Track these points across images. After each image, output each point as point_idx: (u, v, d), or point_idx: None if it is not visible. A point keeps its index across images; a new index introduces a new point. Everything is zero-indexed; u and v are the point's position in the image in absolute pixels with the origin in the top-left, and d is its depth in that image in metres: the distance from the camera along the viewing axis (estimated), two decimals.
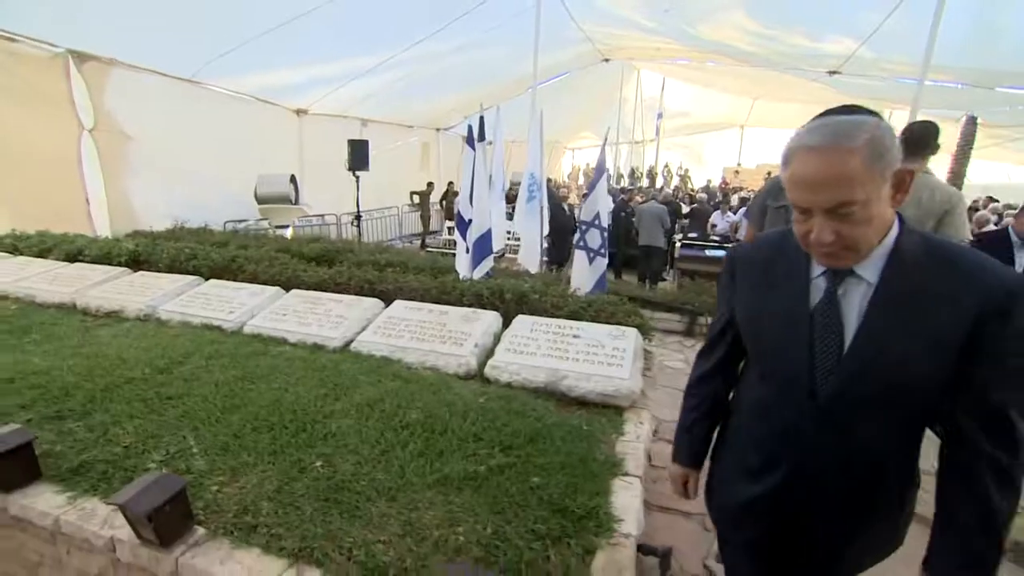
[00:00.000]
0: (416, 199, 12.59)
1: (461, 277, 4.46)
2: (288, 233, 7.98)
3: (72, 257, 4.63)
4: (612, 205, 10.18)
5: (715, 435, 1.43)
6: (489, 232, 4.75)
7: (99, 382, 2.59)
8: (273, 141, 9.27)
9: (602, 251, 5.21)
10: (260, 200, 8.35)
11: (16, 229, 5.19)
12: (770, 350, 1.16)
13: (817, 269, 1.07)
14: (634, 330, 3.05)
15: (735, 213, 9.62)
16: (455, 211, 5.21)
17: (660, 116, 18.60)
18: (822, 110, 0.97)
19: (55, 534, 1.72)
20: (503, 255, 7.98)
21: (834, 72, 9.89)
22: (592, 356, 2.84)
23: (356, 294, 3.66)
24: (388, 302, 3.50)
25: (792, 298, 1.10)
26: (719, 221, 9.41)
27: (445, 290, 3.52)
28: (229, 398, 2.46)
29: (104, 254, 4.58)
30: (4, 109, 5.60)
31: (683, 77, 16.70)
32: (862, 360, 1.00)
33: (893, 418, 1.03)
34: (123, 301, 3.79)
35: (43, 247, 4.80)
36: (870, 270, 0.99)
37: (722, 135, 22.94)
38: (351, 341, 3.14)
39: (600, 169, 5.48)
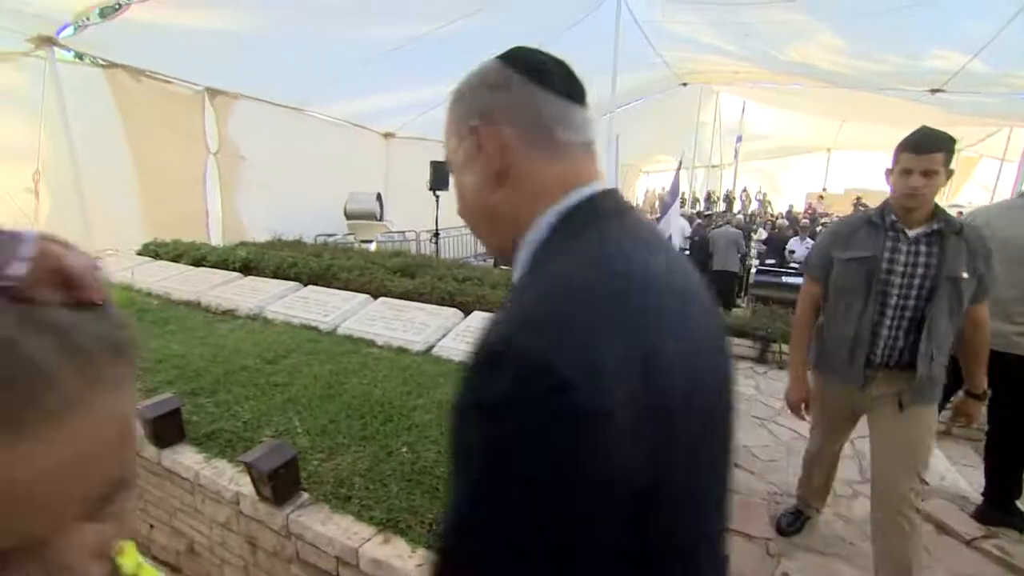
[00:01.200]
0: None
1: None
2: (372, 247, 8.59)
3: (198, 262, 5.33)
4: (689, 229, 10.10)
5: None
6: None
7: (221, 368, 3.02)
8: (362, 162, 10.04)
9: None
10: (348, 216, 9.06)
11: (157, 237, 6.04)
12: None
13: None
14: None
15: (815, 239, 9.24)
16: None
17: (739, 140, 18.13)
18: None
19: (195, 485, 2.07)
20: None
21: (937, 91, 9.28)
22: None
23: (437, 304, 3.96)
24: (467, 312, 3.77)
25: None
26: (797, 247, 9.07)
27: None
28: (326, 388, 2.79)
29: (222, 260, 5.23)
30: (155, 137, 6.60)
31: (764, 100, 16.25)
32: None
33: None
34: (237, 301, 4.33)
35: (176, 253, 5.56)
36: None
37: (804, 159, 21.90)
38: (432, 346, 3.42)
39: (674, 193, 5.57)
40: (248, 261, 5.12)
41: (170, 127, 6.76)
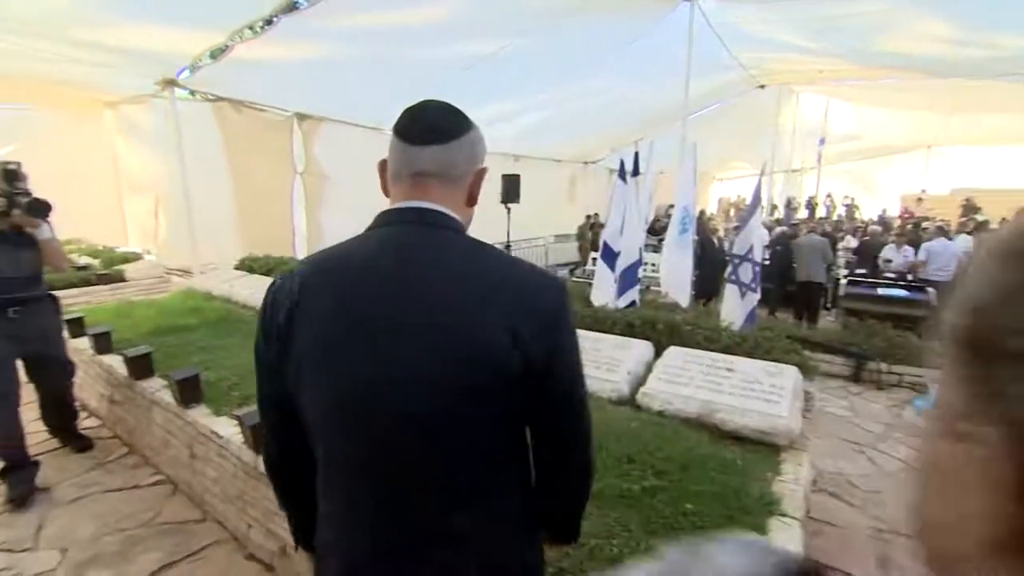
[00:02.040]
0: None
1: (596, 304, 4.60)
2: None
3: None
4: (767, 237, 9.55)
5: None
6: (637, 263, 4.85)
7: None
8: None
9: (753, 286, 5.03)
10: None
11: (251, 253, 6.55)
12: None
13: None
14: (793, 368, 2.93)
15: (916, 247, 8.35)
16: (600, 242, 5.40)
17: (822, 142, 17.04)
18: None
19: None
20: (648, 287, 7.94)
21: None
22: (748, 391, 2.79)
23: None
24: None
25: None
26: (894, 255, 8.31)
27: (598, 318, 3.70)
28: None
29: None
30: (249, 161, 7.19)
31: (852, 98, 15.17)
32: None
33: None
34: None
35: (268, 268, 5.98)
36: None
37: (899, 159, 20.08)
38: None
39: (755, 202, 5.31)
40: None
41: (263, 151, 7.33)
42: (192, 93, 6.71)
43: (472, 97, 8.99)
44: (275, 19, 5.29)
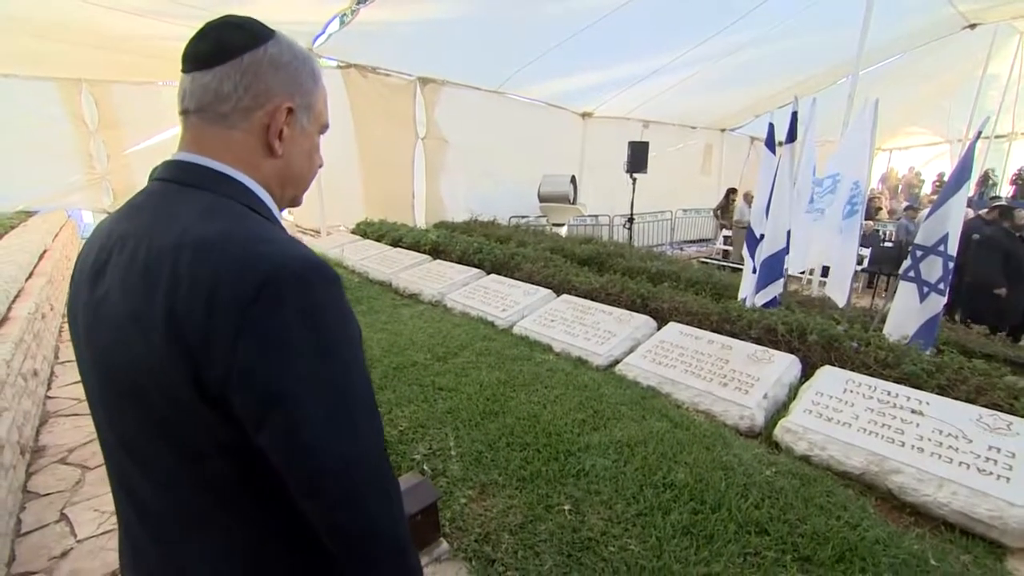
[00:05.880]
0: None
1: (740, 299, 3.81)
2: (563, 231, 8.30)
3: (395, 243, 5.64)
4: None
5: None
6: (783, 252, 3.93)
7: (393, 360, 2.95)
8: (558, 143, 9.77)
9: (941, 286, 3.84)
10: (542, 198, 8.90)
11: (368, 217, 6.61)
12: None
13: None
14: None
15: None
16: (745, 222, 4.53)
17: None
18: None
19: None
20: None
21: None
22: (946, 450, 1.97)
23: (627, 307, 3.41)
24: (661, 322, 3.15)
25: None
26: None
27: (728, 318, 2.97)
28: (490, 402, 2.48)
29: (415, 242, 5.41)
30: (374, 125, 7.22)
31: None
32: None
33: None
34: (422, 286, 4.37)
35: (380, 233, 5.99)
36: None
37: None
38: (617, 361, 2.90)
39: (960, 175, 4.04)
40: (437, 244, 5.20)
41: (387, 116, 7.32)
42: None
43: (600, 58, 8.23)
44: None
